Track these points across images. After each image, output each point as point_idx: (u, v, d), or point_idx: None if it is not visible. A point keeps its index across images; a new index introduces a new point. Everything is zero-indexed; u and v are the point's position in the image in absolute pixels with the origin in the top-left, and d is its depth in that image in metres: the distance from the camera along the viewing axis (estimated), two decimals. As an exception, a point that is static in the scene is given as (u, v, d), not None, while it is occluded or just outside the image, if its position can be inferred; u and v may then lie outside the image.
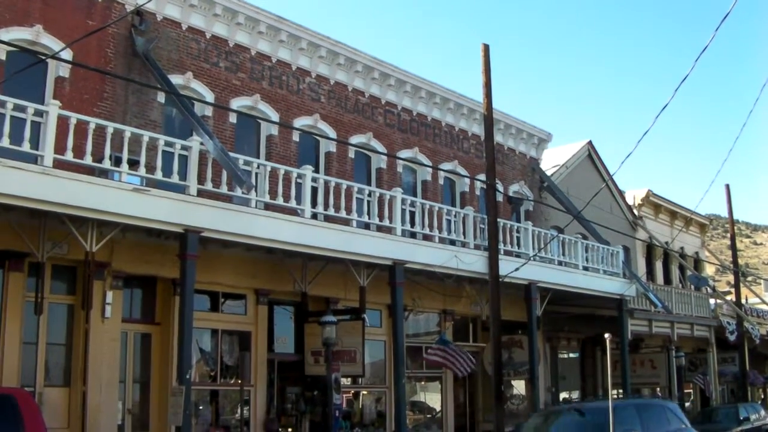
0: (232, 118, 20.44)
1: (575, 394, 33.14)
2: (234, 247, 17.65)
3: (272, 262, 19.32)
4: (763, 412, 34.26)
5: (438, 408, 25.41)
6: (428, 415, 25.39)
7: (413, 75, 25.98)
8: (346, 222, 19.45)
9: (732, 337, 38.21)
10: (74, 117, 14.72)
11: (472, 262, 22.13)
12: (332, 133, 23.04)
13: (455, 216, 23.01)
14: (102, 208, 14.28)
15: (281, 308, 21.04)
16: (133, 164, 15.39)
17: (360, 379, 21.75)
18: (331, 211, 18.92)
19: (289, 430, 20.70)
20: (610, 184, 35.60)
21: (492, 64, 21.27)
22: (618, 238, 32.05)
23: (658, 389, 36.10)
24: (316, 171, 20.38)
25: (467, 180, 27.44)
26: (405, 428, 20.06)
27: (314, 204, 18.41)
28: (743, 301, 43.45)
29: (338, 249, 18.54)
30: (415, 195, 24.29)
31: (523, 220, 27.89)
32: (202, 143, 16.66)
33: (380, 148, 24.32)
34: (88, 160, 14.76)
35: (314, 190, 18.57)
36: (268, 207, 17.77)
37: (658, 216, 41.29)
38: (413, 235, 21.22)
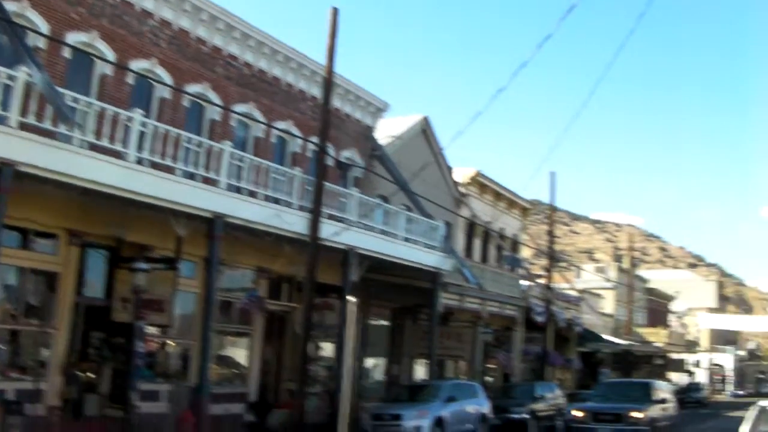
0: (66, 53, 20.02)
1: (381, 361, 34.42)
2: (51, 185, 17.30)
3: (90, 204, 19.00)
4: (558, 392, 36.71)
5: (245, 364, 25.92)
6: (234, 371, 25.86)
7: (259, 30, 26.10)
8: (171, 170, 19.54)
9: (539, 319, 40.66)
10: None
11: (294, 222, 22.72)
12: (169, 80, 22.89)
13: (283, 175, 23.46)
14: None
15: (95, 252, 20.82)
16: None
17: (167, 330, 21.89)
18: (157, 158, 18.96)
19: (91, 375, 20.70)
20: (440, 160, 36.91)
21: (342, 30, 21.76)
22: (441, 213, 33.35)
23: (463, 362, 37.92)
24: (148, 116, 20.29)
25: (300, 141, 27.85)
26: (207, 381, 20.50)
27: (140, 149, 18.42)
28: (554, 285, 46.07)
29: (160, 197, 18.64)
30: (246, 150, 24.48)
31: (351, 187, 28.60)
32: (29, 74, 16.34)
33: (216, 99, 24.36)
34: None
35: (142, 135, 18.57)
36: (93, 148, 17.58)
37: (483, 196, 43.08)
38: (238, 190, 21.55)
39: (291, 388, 25.22)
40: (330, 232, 23.72)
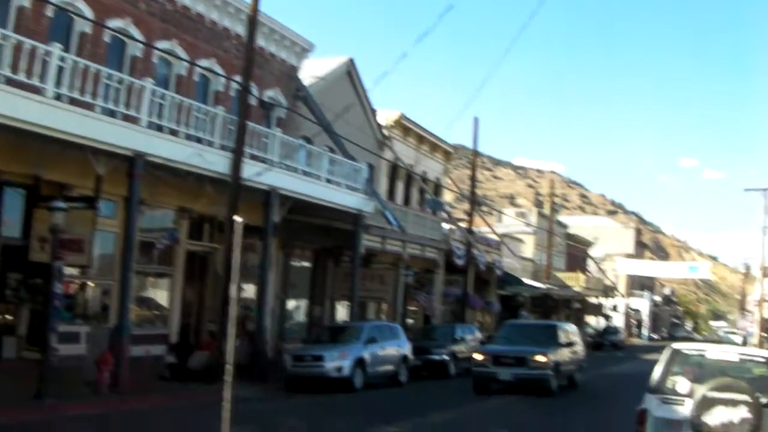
0: (-19, -14, 19.52)
1: (303, 302, 34.82)
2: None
3: (6, 141, 18.69)
4: (477, 334, 37.64)
5: (166, 305, 26.02)
6: (155, 312, 25.94)
7: (183, -35, 25.75)
8: (91, 107, 19.35)
9: (460, 262, 41.42)
10: None
11: (215, 161, 22.80)
12: (90, 14, 22.47)
13: (205, 114, 23.43)
14: None
15: (12, 190, 20.53)
16: None
17: (87, 270, 21.83)
18: (77, 94, 18.77)
19: (8, 316, 20.61)
20: (364, 102, 37.11)
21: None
22: (364, 155, 33.63)
23: (384, 304, 38.53)
24: (67, 51, 20.01)
25: (223, 80, 27.72)
26: (127, 322, 20.61)
27: (59, 84, 18.22)
28: (475, 229, 46.89)
29: (79, 134, 18.46)
30: (168, 88, 24.28)
31: (274, 127, 28.66)
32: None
33: (138, 36, 24.05)
34: None
35: (61, 70, 18.34)
36: (9, 83, 17.30)
37: (406, 139, 43.47)
38: (160, 128, 21.46)
39: (212, 330, 25.44)
40: (252, 172, 23.86)
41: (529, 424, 19.48)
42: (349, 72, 36.80)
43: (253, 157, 24.63)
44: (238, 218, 8.86)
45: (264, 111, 29.97)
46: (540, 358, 24.72)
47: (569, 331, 29.72)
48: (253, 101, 27.49)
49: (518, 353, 25.11)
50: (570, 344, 27.80)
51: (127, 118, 20.35)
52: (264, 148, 25.60)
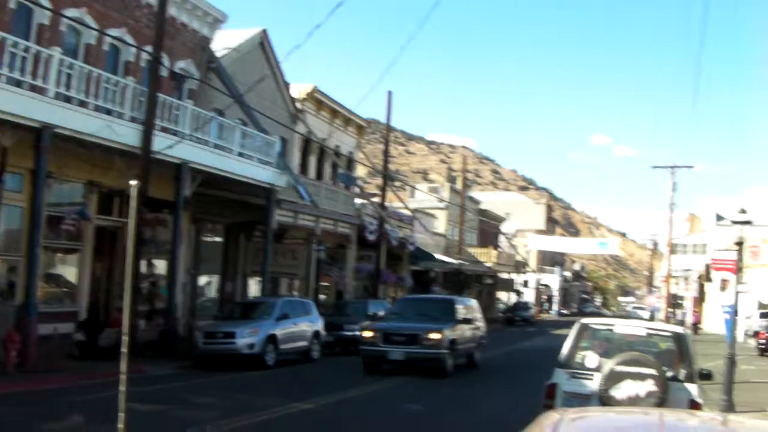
0: None
1: (215, 278, 34.75)
2: None
3: None
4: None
5: (74, 282, 25.70)
6: (63, 289, 25.60)
7: (91, -71, 25.25)
8: (-6, 77, 18.99)
9: (372, 237, 41.79)
10: None
11: (125, 134, 22.61)
12: (-6, -20, 21.97)
13: (115, 85, 23.15)
14: None
15: None
16: None
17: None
18: (-21, 63, 18.42)
19: None
20: (277, 75, 37.02)
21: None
22: (277, 128, 33.62)
23: (297, 280, 38.69)
24: (-33, 17, 19.57)
25: (133, 50, 27.33)
26: (35, 300, 20.37)
27: (-39, 53, 17.85)
28: (388, 204, 47.28)
29: (-18, 104, 18.17)
30: (76, 58, 23.85)
31: (185, 99, 28.43)
32: None
33: (46, 3, 23.51)
34: None
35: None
36: None
37: (319, 113, 43.54)
38: (68, 99, 21.14)
39: (121, 306, 25.20)
40: (163, 145, 23.72)
41: (438, 398, 19.77)
42: (262, 44, 36.64)
43: (164, 130, 24.47)
44: (133, 182, 8.86)
45: (175, 82, 29.66)
46: (434, 335, 23.26)
47: (468, 306, 28.03)
48: (164, 72, 27.24)
49: (410, 330, 23.64)
50: (468, 320, 26.18)
51: (33, 89, 20.04)
52: (175, 120, 25.43)
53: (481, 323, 28.25)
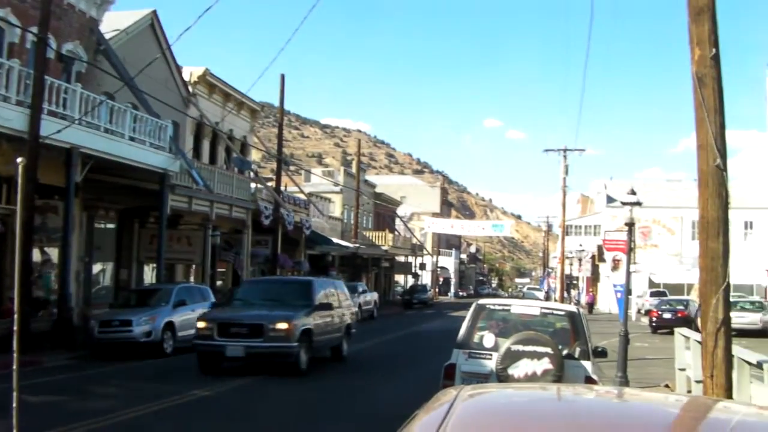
0: None
1: (109, 265, 34.36)
2: None
3: None
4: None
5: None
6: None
7: None
8: None
9: (267, 221, 41.83)
10: None
11: (12, 118, 22.28)
12: None
13: (-1, 67, 22.69)
14: None
15: None
16: None
17: None
18: None
19: None
20: (168, 56, 36.65)
21: None
22: (169, 112, 33.39)
23: (193, 266, 38.54)
24: None
25: (18, 31, 26.76)
26: None
27: None
28: (283, 188, 47.35)
29: None
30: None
31: (74, 82, 27.96)
32: None
33: None
34: None
35: None
36: None
37: (212, 96, 43.30)
38: (-50, 83, 20.68)
39: (12, 297, 24.81)
40: (51, 129, 23.37)
41: (350, 379, 19.89)
42: (153, 25, 36.23)
43: (52, 114, 24.09)
44: (20, 159, 8.86)
45: (63, 65, 29.16)
46: (281, 325, 19.57)
47: (332, 288, 24.32)
48: (51, 54, 26.78)
49: (252, 320, 19.96)
50: (329, 306, 22.26)
51: None
52: (64, 104, 25.02)
53: (347, 311, 24.77)
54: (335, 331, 22.98)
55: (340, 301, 24.14)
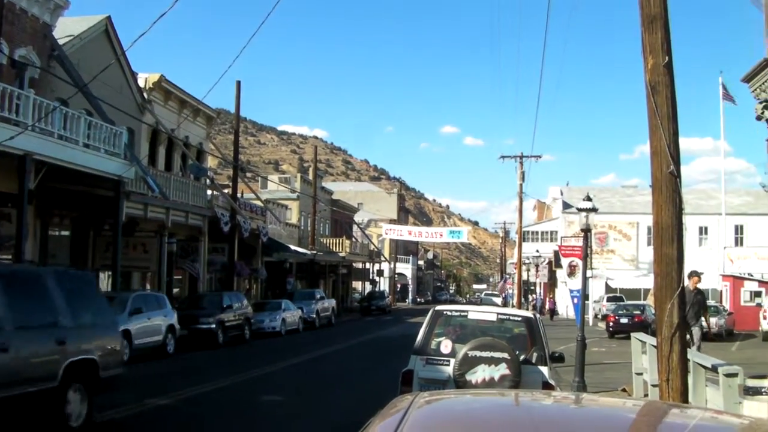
0: None
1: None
2: None
3: None
4: (245, 302, 38.27)
5: None
6: None
7: None
8: None
9: (225, 229, 41.63)
10: None
11: (-38, 125, 21.88)
12: None
13: (-51, 74, 22.40)
14: None
15: None
16: None
17: None
18: None
19: None
20: (122, 62, 36.40)
21: None
22: (124, 119, 33.11)
23: (149, 274, 38.25)
24: None
25: (-40, 36, 26.43)
26: None
27: None
28: (240, 195, 47.19)
29: None
30: None
31: (27, 88, 27.68)
32: None
33: None
34: None
35: None
36: None
37: (167, 102, 43.04)
38: None
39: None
40: (4, 135, 23.06)
41: (308, 386, 19.91)
42: (107, 31, 35.93)
43: (5, 120, 23.77)
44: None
45: (16, 71, 28.84)
46: None
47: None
48: (3, 60, 26.48)
49: None
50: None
51: None
52: (17, 110, 24.72)
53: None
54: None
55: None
